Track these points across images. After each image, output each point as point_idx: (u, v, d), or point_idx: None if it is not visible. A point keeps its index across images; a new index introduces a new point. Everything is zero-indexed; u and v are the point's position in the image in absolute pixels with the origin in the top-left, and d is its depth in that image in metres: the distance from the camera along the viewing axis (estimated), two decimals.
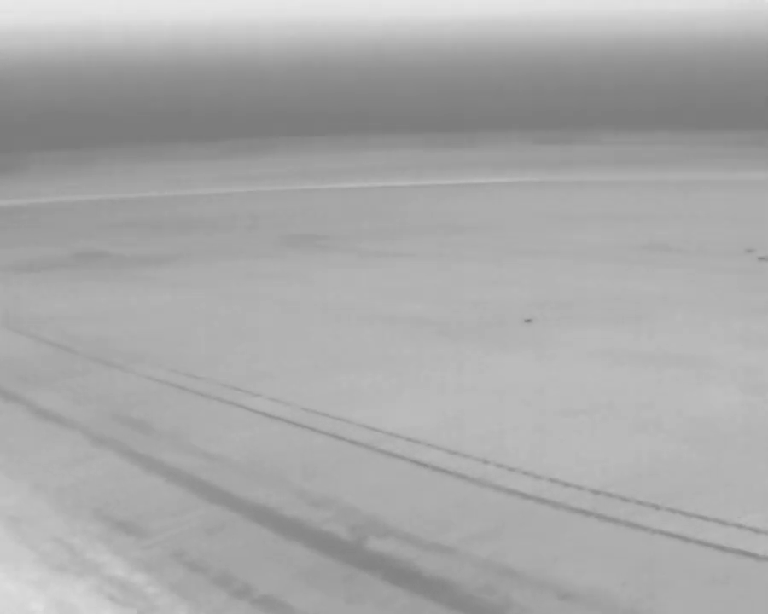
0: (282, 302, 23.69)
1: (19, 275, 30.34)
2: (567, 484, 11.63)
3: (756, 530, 9.99)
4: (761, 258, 25.88)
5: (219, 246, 34.20)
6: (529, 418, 14.29)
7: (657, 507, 10.74)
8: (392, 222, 38.29)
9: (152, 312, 23.39)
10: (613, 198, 44.24)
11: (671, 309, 20.74)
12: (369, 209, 43.71)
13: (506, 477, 12.00)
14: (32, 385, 17.81)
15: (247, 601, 9.51)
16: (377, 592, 9.44)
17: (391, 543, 10.35)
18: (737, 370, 16.14)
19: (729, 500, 10.87)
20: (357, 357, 18.15)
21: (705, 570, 9.28)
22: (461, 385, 16.06)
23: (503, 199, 44.83)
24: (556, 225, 34.98)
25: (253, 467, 12.94)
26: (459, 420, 14.33)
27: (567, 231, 33.50)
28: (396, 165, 66.94)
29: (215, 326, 21.45)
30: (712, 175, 52.59)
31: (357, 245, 32.85)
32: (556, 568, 9.55)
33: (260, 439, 14.12)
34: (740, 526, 10.15)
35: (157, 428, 14.84)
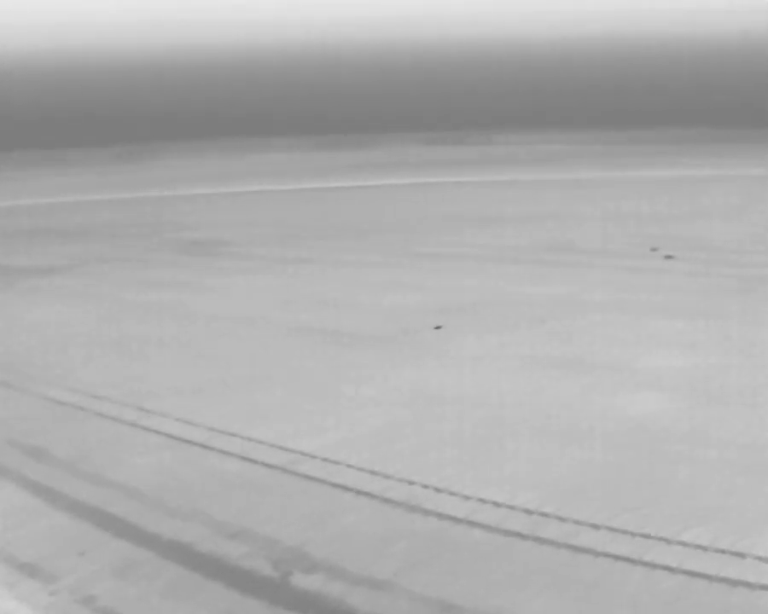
0: (184, 313, 22.71)
1: None
2: (497, 504, 11.06)
3: (703, 548, 9.54)
4: (667, 257, 25.79)
5: (114, 255, 32.88)
6: (450, 432, 13.71)
7: (597, 527, 10.22)
8: (291, 226, 37.39)
9: (44, 326, 22.20)
10: (511, 198, 43.81)
11: (582, 311, 20.40)
12: (266, 213, 42.70)
13: (434, 499, 11.38)
14: None
15: None
16: None
17: (319, 578, 9.62)
18: (659, 374, 15.83)
19: (670, 515, 10.41)
20: (265, 371, 17.36)
21: (657, 595, 8.78)
22: (376, 399, 15.40)
23: (401, 201, 44.07)
24: (457, 226, 34.43)
25: (162, 497, 12.08)
26: (378, 437, 13.67)
27: (469, 232, 32.92)
28: (290, 167, 66.06)
29: (113, 340, 20.39)
30: (610, 173, 52.77)
31: (256, 250, 31.83)
32: (499, 599, 8.96)
33: (168, 464, 13.25)
34: (685, 544, 9.71)
35: (57, 455, 13.85)
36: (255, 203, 47.50)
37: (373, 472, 12.22)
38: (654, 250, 26.96)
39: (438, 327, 19.40)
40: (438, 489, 11.54)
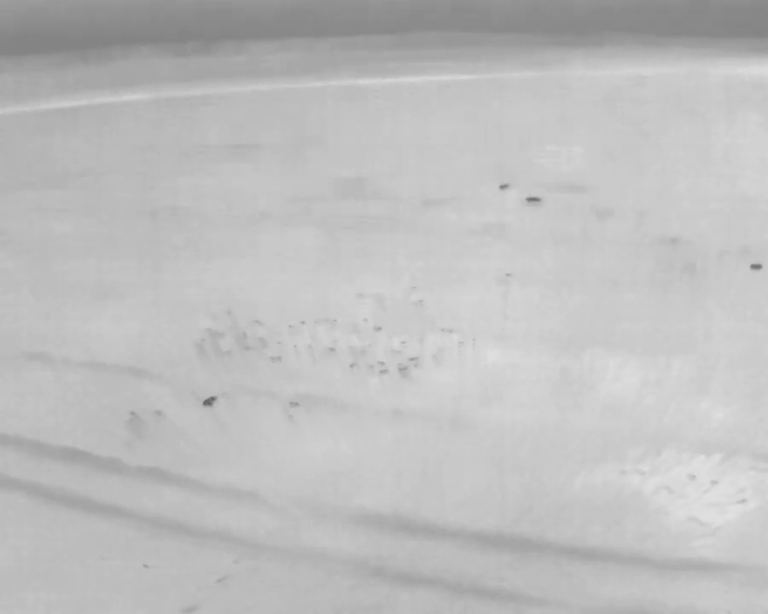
0: None
1: None
2: None
3: None
4: (531, 199, 16.75)
5: None
6: None
7: None
8: None
9: None
10: (266, 115, 32.69)
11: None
12: None
13: None
14: None
15: None
16: None
17: None
18: None
19: None
20: None
21: None
22: None
23: (134, 130, 31.83)
24: (207, 158, 23.20)
25: None
26: None
27: (228, 167, 22.06)
28: None
29: None
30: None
31: None
32: None
33: None
34: None
35: None
36: None
37: None
38: (504, 188, 17.78)
39: (209, 401, 9.53)
40: None
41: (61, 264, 14.73)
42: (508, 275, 12.69)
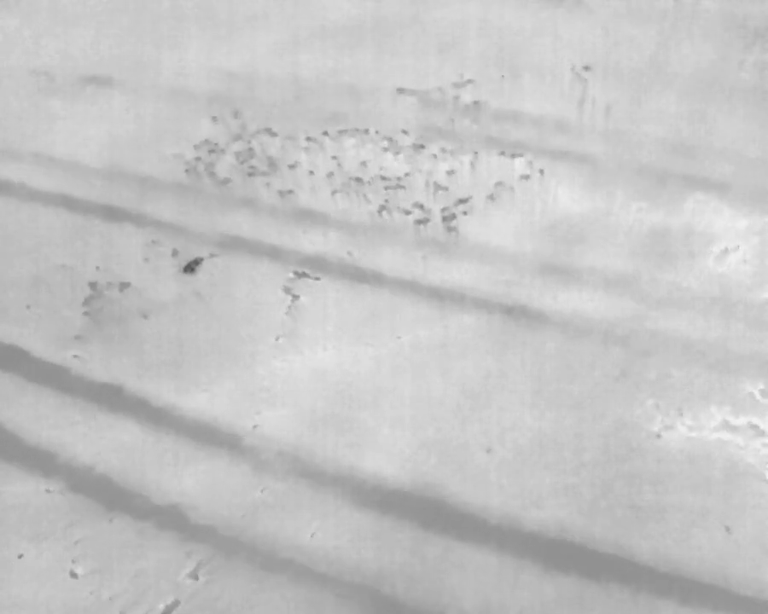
0: None
1: None
2: None
3: None
4: None
5: None
6: None
7: None
8: None
9: None
10: None
11: None
12: None
13: None
14: None
15: None
16: None
17: None
18: None
19: None
20: None
21: None
22: None
23: None
24: None
25: None
26: None
27: None
28: None
29: None
30: None
31: None
32: None
33: None
34: None
35: None
36: None
37: None
38: None
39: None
40: None
41: (54, 28, 12.33)
42: (586, 68, 10.07)
